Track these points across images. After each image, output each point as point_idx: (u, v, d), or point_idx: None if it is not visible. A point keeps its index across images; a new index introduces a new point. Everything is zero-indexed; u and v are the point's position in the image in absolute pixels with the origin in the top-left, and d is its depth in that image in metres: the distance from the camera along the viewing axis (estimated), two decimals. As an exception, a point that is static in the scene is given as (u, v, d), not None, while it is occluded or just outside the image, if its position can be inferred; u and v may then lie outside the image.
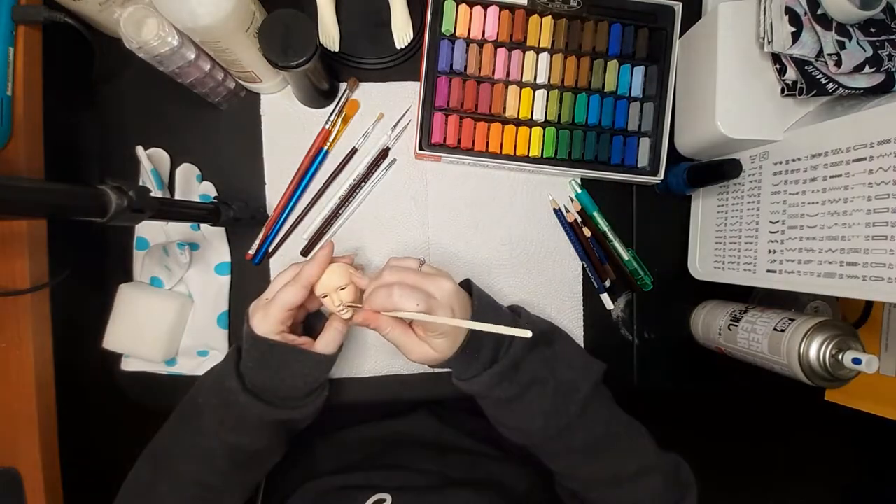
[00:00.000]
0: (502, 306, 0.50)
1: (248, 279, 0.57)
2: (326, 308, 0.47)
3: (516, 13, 0.54)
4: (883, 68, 0.45)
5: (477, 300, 0.46)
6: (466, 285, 0.49)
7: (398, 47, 0.56)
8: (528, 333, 0.38)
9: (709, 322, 0.58)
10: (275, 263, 0.57)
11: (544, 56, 0.54)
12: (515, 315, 0.50)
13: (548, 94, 0.55)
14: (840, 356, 0.43)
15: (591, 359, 0.52)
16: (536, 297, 0.59)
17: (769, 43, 0.46)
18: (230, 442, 0.45)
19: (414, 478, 0.53)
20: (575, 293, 0.60)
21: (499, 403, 0.47)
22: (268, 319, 0.44)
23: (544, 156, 0.55)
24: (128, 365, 0.56)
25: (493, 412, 0.49)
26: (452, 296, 0.44)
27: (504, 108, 0.55)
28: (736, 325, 0.53)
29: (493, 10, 0.53)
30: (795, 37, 0.45)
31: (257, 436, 0.45)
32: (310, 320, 0.52)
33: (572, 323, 0.60)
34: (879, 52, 0.45)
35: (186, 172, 0.55)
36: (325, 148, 0.56)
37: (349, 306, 0.46)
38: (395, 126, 0.57)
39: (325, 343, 0.47)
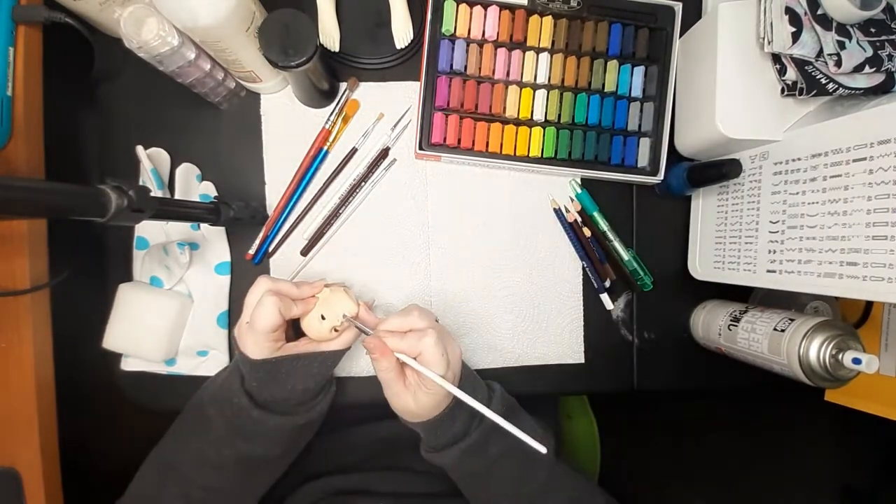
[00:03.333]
0: (479, 378, 0.50)
1: (248, 279, 0.56)
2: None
3: (516, 13, 0.54)
4: (883, 68, 0.45)
5: (464, 370, 0.46)
6: None
7: (398, 47, 0.56)
8: (543, 449, 0.38)
9: (709, 322, 0.58)
10: (275, 263, 0.57)
11: (544, 56, 0.54)
12: (490, 390, 0.49)
13: (548, 94, 0.55)
14: (840, 356, 0.43)
15: (543, 429, 0.51)
16: (536, 297, 0.59)
17: (769, 43, 0.46)
18: (245, 451, 0.45)
19: (412, 482, 0.53)
20: (575, 293, 0.60)
21: (470, 476, 0.47)
22: (259, 345, 0.44)
23: (544, 156, 0.55)
24: (128, 365, 0.56)
25: (465, 485, 0.48)
26: (459, 361, 0.45)
27: (504, 108, 0.55)
28: (736, 325, 0.53)
29: (493, 10, 0.53)
30: (795, 37, 0.45)
31: (272, 445, 0.46)
32: None
33: (572, 323, 0.60)
34: (879, 52, 0.45)
35: (186, 172, 0.55)
36: (325, 148, 0.56)
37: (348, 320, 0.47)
38: (395, 126, 0.57)
39: (339, 341, 0.47)
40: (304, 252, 0.57)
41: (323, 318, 0.46)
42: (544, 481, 0.48)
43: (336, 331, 0.47)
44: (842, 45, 0.45)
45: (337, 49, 0.55)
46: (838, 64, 0.44)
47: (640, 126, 0.56)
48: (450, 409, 0.44)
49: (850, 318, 0.60)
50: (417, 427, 0.46)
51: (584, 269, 0.59)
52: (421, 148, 0.55)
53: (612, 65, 0.55)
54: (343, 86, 0.56)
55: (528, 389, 0.59)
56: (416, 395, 0.43)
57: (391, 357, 0.42)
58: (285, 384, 0.45)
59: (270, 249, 0.57)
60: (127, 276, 0.55)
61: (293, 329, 0.50)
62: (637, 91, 0.56)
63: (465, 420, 0.45)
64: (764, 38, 0.46)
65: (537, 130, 0.55)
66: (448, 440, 0.45)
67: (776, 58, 0.47)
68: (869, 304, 0.59)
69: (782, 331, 0.47)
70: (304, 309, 0.46)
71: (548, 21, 0.54)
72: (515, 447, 0.47)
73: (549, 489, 0.48)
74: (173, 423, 0.48)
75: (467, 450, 0.44)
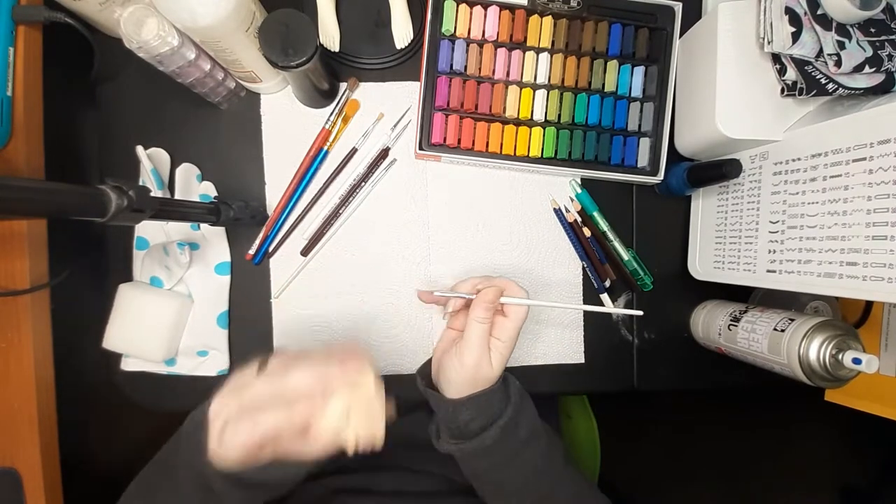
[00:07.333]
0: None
1: (248, 279, 0.57)
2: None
3: (516, 13, 0.54)
4: (883, 68, 0.45)
5: None
6: None
7: (398, 47, 0.56)
8: (639, 312, 0.46)
9: (709, 322, 0.58)
10: (275, 263, 0.57)
11: (544, 56, 0.54)
12: (505, 380, 0.49)
13: (548, 94, 0.55)
14: (840, 356, 0.43)
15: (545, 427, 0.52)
16: (536, 298, 0.59)
17: (769, 43, 0.46)
18: None
19: (413, 481, 0.53)
20: (575, 293, 0.60)
21: (495, 463, 0.46)
22: (237, 448, 0.32)
23: (544, 156, 0.55)
24: (128, 365, 0.56)
25: (488, 473, 0.47)
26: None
27: (504, 108, 0.55)
28: (736, 325, 0.53)
29: (493, 10, 0.53)
30: (795, 37, 0.45)
31: None
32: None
33: (572, 323, 0.60)
34: (879, 52, 0.45)
35: (186, 172, 0.55)
36: (325, 148, 0.56)
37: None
38: (395, 126, 0.57)
39: (322, 446, 0.34)
40: (304, 252, 0.57)
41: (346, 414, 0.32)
42: (560, 470, 0.48)
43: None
44: (842, 45, 0.45)
45: (337, 49, 0.55)
46: (838, 64, 0.44)
47: (640, 126, 0.56)
48: (500, 381, 0.46)
49: (850, 318, 0.60)
50: (467, 405, 0.45)
51: (584, 269, 0.59)
52: (421, 148, 0.55)
53: (612, 65, 0.55)
54: (343, 86, 0.56)
55: (528, 389, 0.58)
56: (494, 350, 0.45)
57: (489, 307, 0.45)
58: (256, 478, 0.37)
59: (270, 249, 0.57)
60: (127, 276, 0.55)
61: None
62: (637, 91, 0.56)
63: (500, 398, 0.46)
64: (764, 38, 0.46)
65: (537, 130, 0.55)
66: (490, 419, 0.45)
67: (776, 58, 0.47)
68: (869, 304, 0.59)
69: (782, 331, 0.47)
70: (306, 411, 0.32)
71: (548, 21, 0.54)
72: (539, 429, 0.47)
73: (563, 479, 0.48)
74: (140, 473, 0.44)
75: (505, 427, 0.44)
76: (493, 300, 0.45)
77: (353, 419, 0.32)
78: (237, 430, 0.32)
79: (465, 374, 0.45)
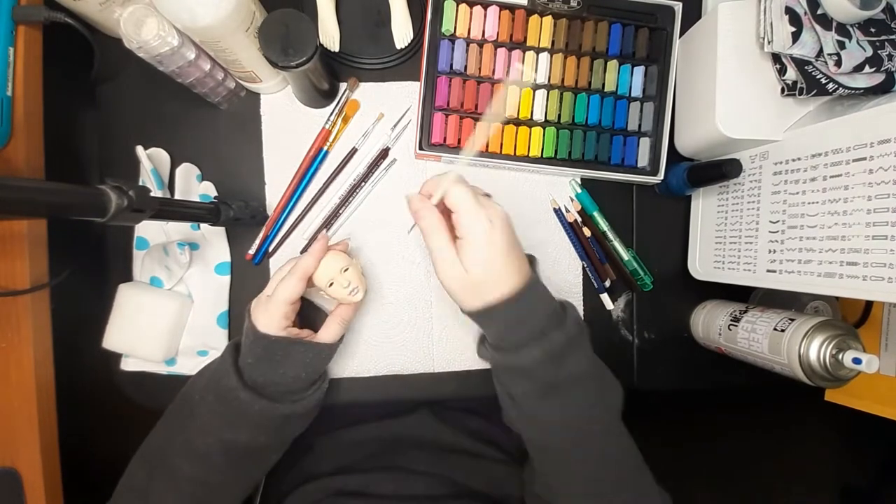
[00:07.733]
0: (551, 295, 0.45)
1: (248, 279, 0.57)
2: (334, 296, 0.48)
3: (516, 13, 0.54)
4: (883, 68, 0.45)
5: (536, 269, 0.45)
6: (529, 258, 0.46)
7: (398, 47, 0.56)
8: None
9: (709, 322, 0.58)
10: (275, 263, 0.57)
11: (544, 56, 0.54)
12: (561, 307, 0.45)
13: (548, 94, 0.55)
14: (840, 356, 0.44)
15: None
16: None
17: (769, 43, 0.46)
18: (229, 439, 0.44)
19: (412, 482, 0.53)
20: (575, 293, 0.60)
21: (539, 390, 0.42)
22: (270, 316, 0.45)
23: (544, 156, 0.55)
24: (128, 365, 0.56)
25: (526, 403, 0.43)
26: (502, 219, 0.41)
27: (504, 109, 0.55)
28: (736, 325, 0.53)
29: (493, 10, 0.53)
30: (795, 37, 0.45)
31: (257, 433, 0.45)
32: (308, 313, 0.52)
33: (572, 323, 0.60)
34: (879, 52, 0.45)
35: (186, 172, 0.55)
36: (325, 148, 0.56)
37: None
38: (395, 126, 0.57)
39: (328, 333, 0.48)
40: (304, 252, 0.57)
41: (331, 282, 0.47)
42: (611, 426, 0.44)
43: (334, 288, 0.47)
44: (842, 45, 0.45)
45: (337, 49, 0.55)
46: (838, 64, 0.44)
47: (640, 126, 0.56)
48: (529, 289, 0.41)
49: (850, 318, 0.60)
50: (497, 318, 0.41)
51: (584, 269, 0.59)
52: (421, 148, 0.55)
53: (612, 65, 0.55)
54: (343, 86, 0.56)
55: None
56: (464, 257, 0.40)
57: (428, 209, 0.41)
58: (277, 367, 0.45)
59: (270, 249, 0.57)
60: (127, 276, 0.55)
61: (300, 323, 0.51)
62: (637, 91, 0.56)
63: (544, 317, 0.42)
64: (764, 38, 0.46)
65: (537, 130, 0.55)
66: (523, 337, 0.41)
67: (776, 58, 0.47)
68: (869, 304, 0.59)
69: (782, 331, 0.47)
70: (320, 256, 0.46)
71: (548, 21, 0.54)
72: (590, 373, 0.44)
73: (612, 436, 0.45)
74: (160, 418, 0.48)
75: (551, 352, 0.40)
76: (413, 205, 0.42)
77: (345, 273, 0.47)
78: (277, 273, 0.47)
79: (448, 287, 0.42)
